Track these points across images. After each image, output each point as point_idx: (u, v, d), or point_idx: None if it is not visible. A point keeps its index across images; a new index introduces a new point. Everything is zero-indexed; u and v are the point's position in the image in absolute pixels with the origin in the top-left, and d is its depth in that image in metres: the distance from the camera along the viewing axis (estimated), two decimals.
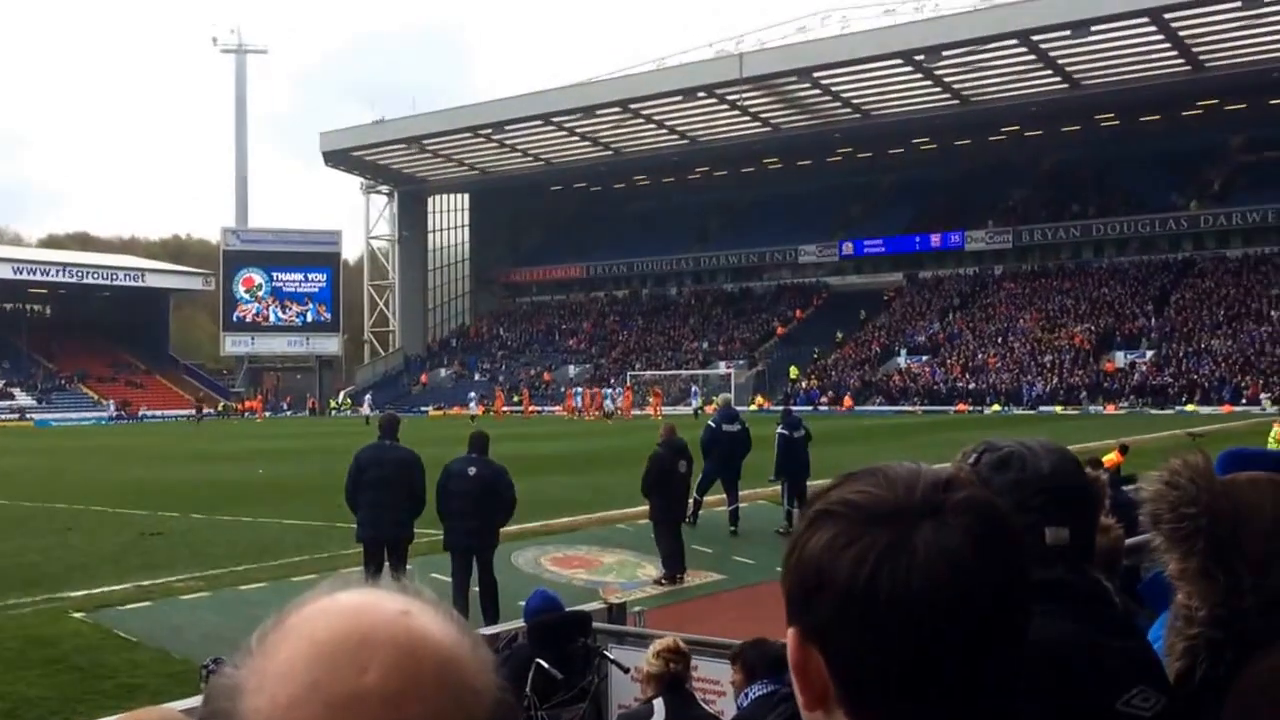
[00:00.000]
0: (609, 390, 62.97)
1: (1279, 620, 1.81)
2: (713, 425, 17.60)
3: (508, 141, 77.19)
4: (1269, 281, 59.21)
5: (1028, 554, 1.06)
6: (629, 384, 65.52)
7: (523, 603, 7.76)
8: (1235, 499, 1.90)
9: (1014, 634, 1.02)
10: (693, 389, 61.79)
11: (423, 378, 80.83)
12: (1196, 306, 59.65)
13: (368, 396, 68.75)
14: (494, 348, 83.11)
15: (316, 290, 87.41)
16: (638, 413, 59.78)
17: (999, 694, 1.00)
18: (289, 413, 77.53)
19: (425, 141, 77.61)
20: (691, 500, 16.39)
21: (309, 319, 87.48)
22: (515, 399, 67.77)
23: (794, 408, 43.05)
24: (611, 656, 7.19)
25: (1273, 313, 56.48)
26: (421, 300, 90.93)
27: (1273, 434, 27.24)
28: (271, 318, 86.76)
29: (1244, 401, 49.93)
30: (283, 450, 35.65)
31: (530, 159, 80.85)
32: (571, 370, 75.33)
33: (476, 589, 11.43)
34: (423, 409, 70.79)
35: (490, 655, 0.78)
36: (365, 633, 0.74)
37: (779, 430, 17.71)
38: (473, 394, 65.71)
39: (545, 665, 6.64)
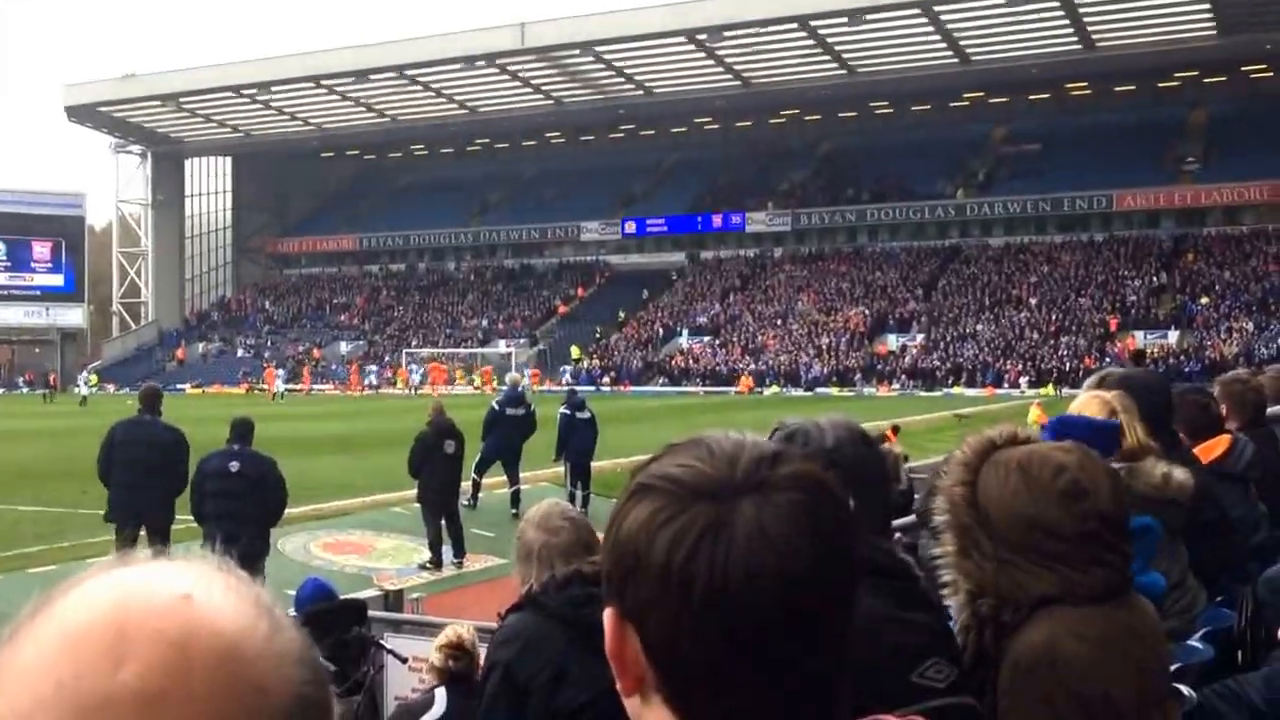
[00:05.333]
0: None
1: (1027, 600, 1.96)
2: (496, 407, 17.05)
3: (274, 103, 73.22)
4: (1027, 269, 62.35)
5: (857, 533, 1.03)
6: (438, 361, 63.81)
7: (292, 592, 7.27)
8: (982, 486, 2.03)
9: (841, 616, 0.99)
10: (563, 369, 60.36)
11: (179, 353, 76.00)
12: (962, 292, 62.27)
13: (83, 374, 62.49)
14: (259, 321, 79.12)
15: (57, 257, 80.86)
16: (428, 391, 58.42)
17: (825, 679, 0.99)
18: (25, 390, 71.42)
19: (183, 99, 72.75)
20: (471, 481, 16.18)
21: (49, 288, 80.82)
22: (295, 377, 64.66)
23: (578, 388, 42.55)
24: (388, 646, 7.08)
25: (1031, 299, 59.43)
26: (178, 270, 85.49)
27: (1031, 416, 28.46)
28: (5, 285, 79.71)
29: (1005, 384, 52.32)
30: (13, 431, 32.42)
31: (299, 123, 77.03)
32: (344, 347, 72.50)
33: None
34: (179, 387, 66.64)
35: (298, 643, 0.69)
36: (126, 621, 0.63)
37: (562, 410, 17.28)
38: (280, 369, 61.15)
39: None
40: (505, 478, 16.92)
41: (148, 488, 10.38)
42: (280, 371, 58.78)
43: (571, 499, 16.28)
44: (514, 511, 15.96)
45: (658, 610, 0.95)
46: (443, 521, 13.67)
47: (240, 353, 74.21)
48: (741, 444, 1.01)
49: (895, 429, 14.36)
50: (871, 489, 2.15)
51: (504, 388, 17.38)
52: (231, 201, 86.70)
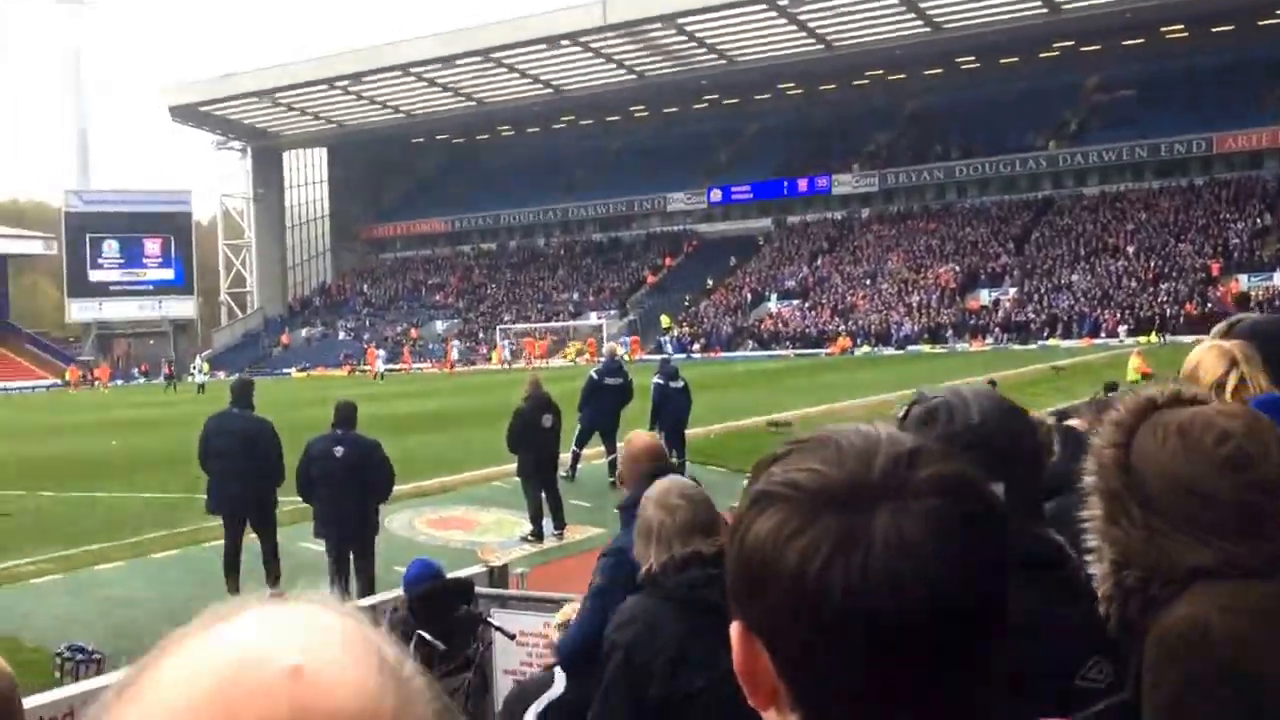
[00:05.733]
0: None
1: (1178, 573, 1.78)
2: (595, 376, 16.99)
3: (366, 94, 74.85)
4: (1124, 217, 60.81)
5: (1006, 536, 0.94)
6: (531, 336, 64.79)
7: (401, 569, 7.30)
8: (1137, 449, 1.85)
9: (990, 628, 0.90)
10: (661, 338, 61.00)
11: (284, 338, 78.27)
12: (1055, 243, 60.99)
13: (196, 362, 62.72)
14: (358, 305, 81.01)
15: (167, 252, 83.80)
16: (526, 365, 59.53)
17: (970, 693, 0.90)
18: (142, 380, 74.13)
19: (278, 95, 74.77)
20: (570, 454, 16.10)
21: (160, 282, 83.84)
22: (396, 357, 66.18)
23: (671, 356, 42.49)
24: (495, 623, 7.06)
25: (1128, 248, 58.02)
26: (280, 259, 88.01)
27: (1131, 364, 27.91)
28: (120, 282, 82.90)
29: (1103, 334, 51.26)
30: (136, 420, 33.78)
31: (390, 111, 78.60)
32: (439, 326, 73.88)
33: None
34: (285, 370, 68.65)
35: (431, 708, 0.60)
36: (230, 704, 0.56)
37: (655, 380, 17.20)
38: (381, 350, 62.24)
39: (427, 637, 6.42)
40: (603, 447, 16.87)
41: (243, 478, 10.66)
42: (380, 352, 60.10)
43: (682, 468, 16.83)
44: (611, 480, 15.84)
45: (789, 627, 0.88)
46: (542, 494, 13.71)
47: (341, 336, 76.03)
48: (875, 441, 0.92)
49: (992, 383, 14.28)
50: (1024, 468, 1.96)
51: (603, 358, 17.37)
52: (329, 191, 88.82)
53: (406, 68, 70.14)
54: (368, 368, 59.80)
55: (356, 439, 10.42)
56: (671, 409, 16.86)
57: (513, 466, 14.35)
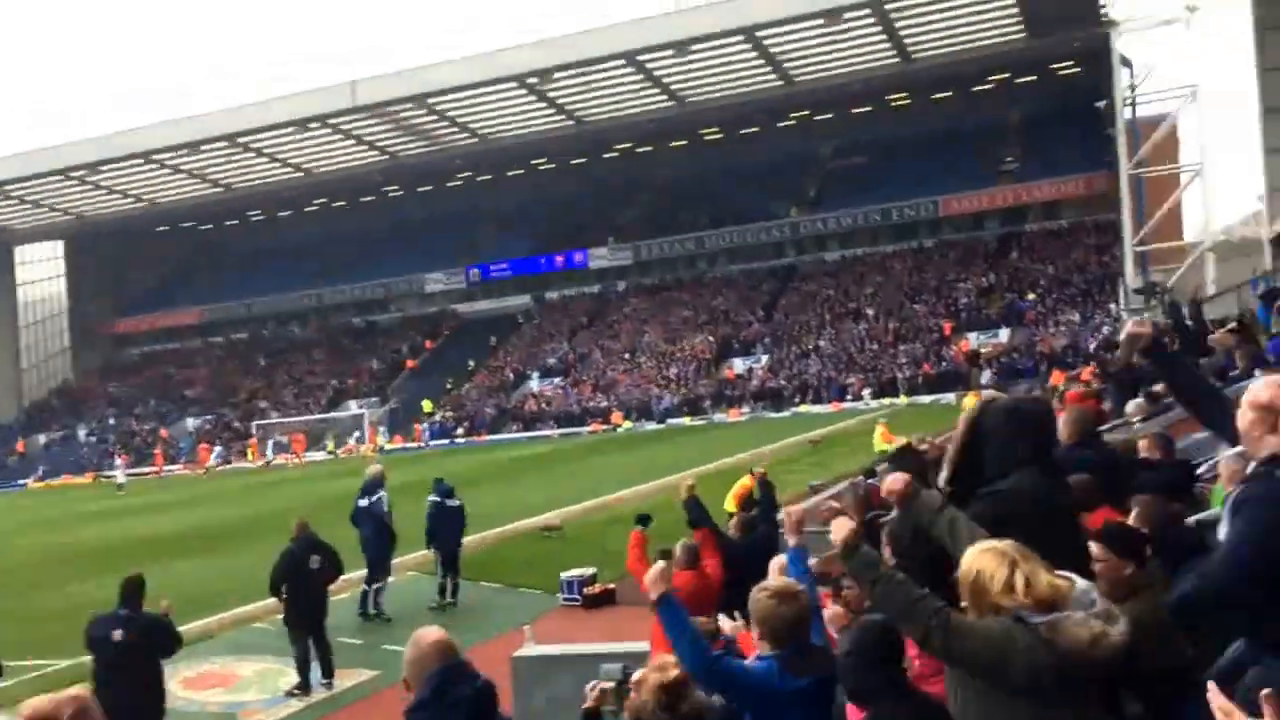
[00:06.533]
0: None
1: None
2: (438, 500, 16.61)
3: (105, 183, 71.62)
4: (863, 281, 63.69)
5: None
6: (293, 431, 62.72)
7: None
8: None
9: None
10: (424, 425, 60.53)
11: (19, 446, 73.24)
12: (802, 309, 63.29)
13: None
14: (103, 405, 76.85)
15: None
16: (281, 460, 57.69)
17: None
18: None
19: (8, 188, 70.62)
20: (374, 588, 15.82)
21: None
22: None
23: (432, 441, 41.51)
24: None
25: (868, 310, 60.74)
26: (13, 360, 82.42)
27: (877, 434, 28.67)
28: None
29: (849, 398, 53.33)
30: None
31: (132, 200, 75.42)
32: (190, 423, 70.84)
33: None
34: (21, 482, 64.56)
35: None
36: None
37: (431, 499, 16.78)
38: (125, 453, 59.12)
39: None
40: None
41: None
42: (119, 462, 57.16)
43: (442, 590, 16.33)
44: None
45: None
46: (310, 641, 12.89)
47: (84, 437, 71.98)
48: None
49: (753, 472, 14.56)
50: None
51: (370, 479, 16.58)
52: (67, 285, 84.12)
53: (149, 155, 67.51)
54: (113, 474, 56.71)
55: (138, 620, 9.61)
56: (450, 529, 16.51)
57: (274, 602, 13.60)
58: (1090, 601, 3.58)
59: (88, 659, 10.31)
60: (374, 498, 16.37)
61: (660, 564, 4.95)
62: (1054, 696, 3.54)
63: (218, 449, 62.53)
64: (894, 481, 4.51)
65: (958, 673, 3.76)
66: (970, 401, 7.68)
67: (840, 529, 4.14)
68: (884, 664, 4.34)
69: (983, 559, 3.64)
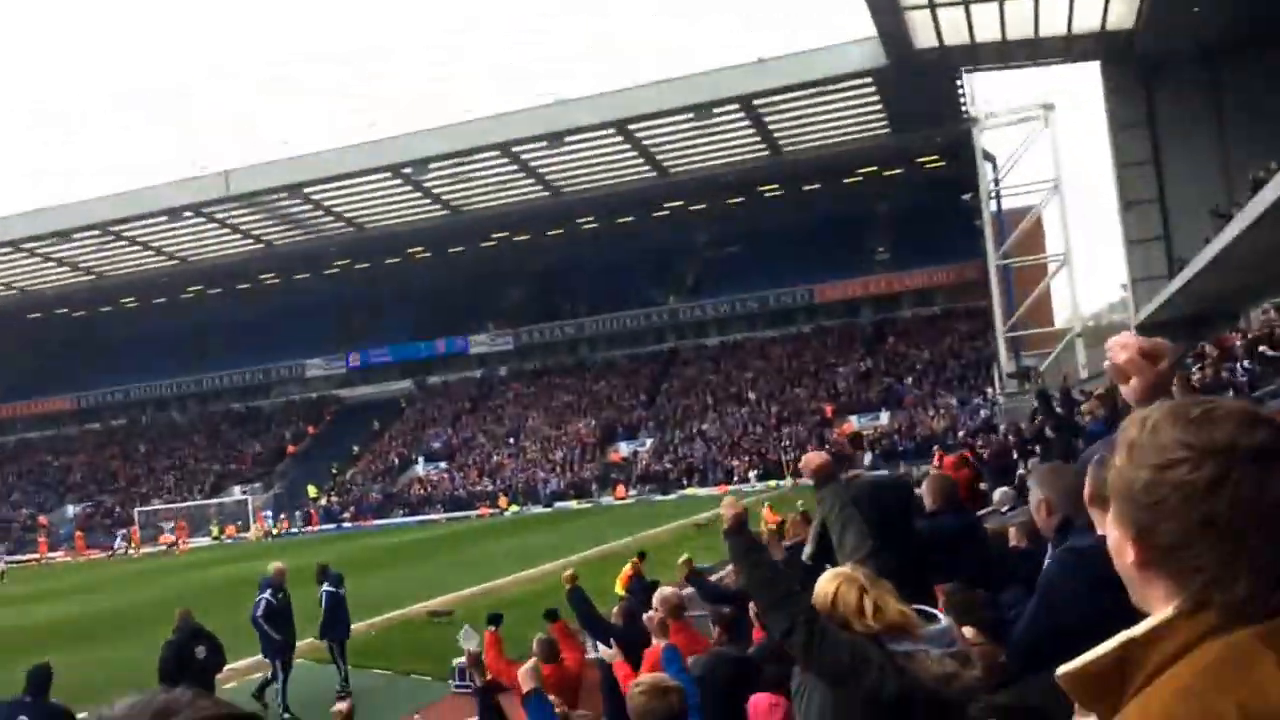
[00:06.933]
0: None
1: None
2: (334, 591, 16.45)
3: None
4: (744, 366, 64.87)
5: None
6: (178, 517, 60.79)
7: None
8: None
9: None
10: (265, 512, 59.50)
11: None
12: (685, 394, 64.12)
13: None
14: None
15: None
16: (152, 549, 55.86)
17: None
18: None
19: None
20: (277, 685, 15.31)
21: None
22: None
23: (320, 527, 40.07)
24: None
25: (750, 394, 61.78)
26: None
27: (763, 515, 29.10)
28: None
29: (735, 479, 53.91)
30: None
31: (2, 286, 73.41)
32: (70, 510, 68.54)
33: None
34: None
35: None
36: None
37: (326, 589, 16.57)
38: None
39: None
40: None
41: None
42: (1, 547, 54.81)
43: (347, 679, 16.10)
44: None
45: None
46: None
47: None
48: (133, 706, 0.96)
49: (642, 555, 14.66)
50: None
51: (266, 578, 16.12)
52: None
53: (17, 244, 66.02)
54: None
55: (43, 709, 9.42)
56: (343, 616, 16.40)
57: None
58: (950, 641, 3.80)
59: None
60: (278, 595, 16.02)
61: (531, 661, 5.25)
62: (895, 715, 3.75)
63: (123, 536, 60.29)
64: (814, 457, 4.89)
65: (809, 677, 3.97)
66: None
67: (729, 507, 4.51)
68: (730, 697, 4.79)
69: (834, 584, 3.89)
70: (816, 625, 3.81)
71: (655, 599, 6.51)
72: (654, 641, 6.54)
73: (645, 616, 6.11)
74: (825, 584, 3.89)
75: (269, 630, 15.49)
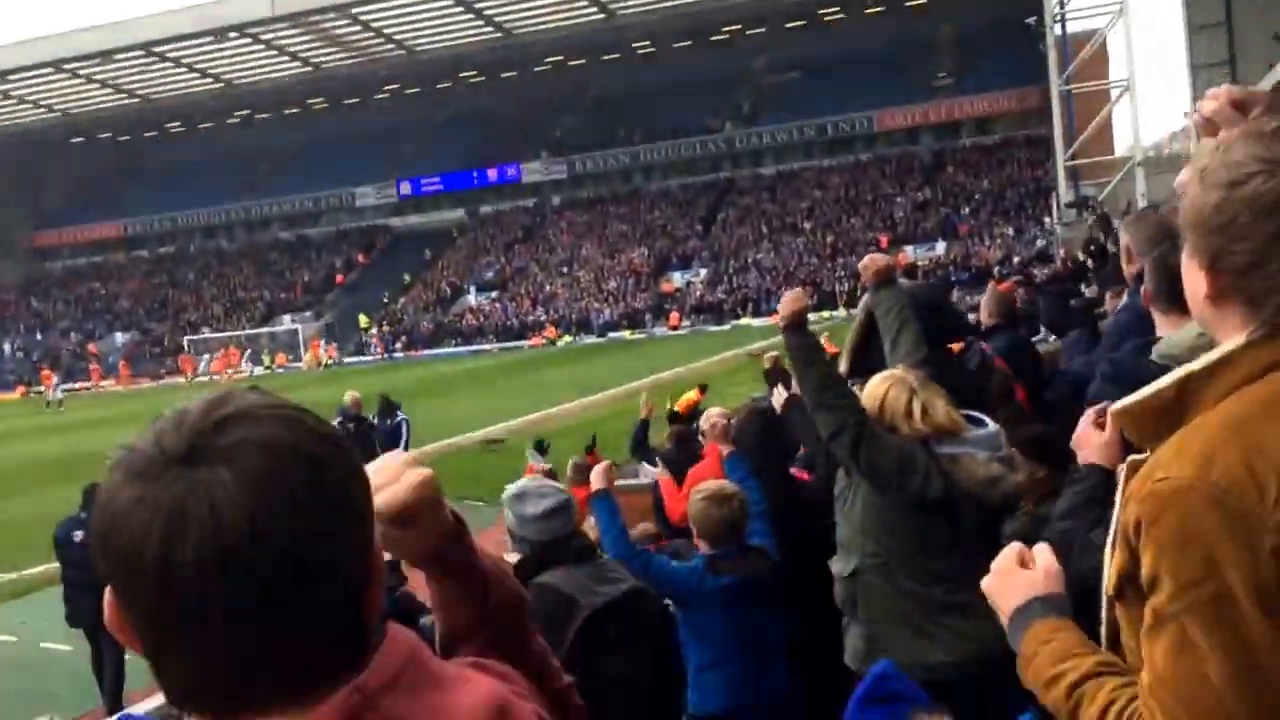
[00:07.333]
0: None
1: None
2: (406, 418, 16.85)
3: (14, 92, 69.02)
4: (800, 195, 63.90)
5: (325, 501, 1.01)
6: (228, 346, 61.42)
7: None
8: None
9: (307, 580, 0.99)
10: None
11: None
12: (740, 224, 63.42)
13: None
14: (27, 319, 74.98)
15: None
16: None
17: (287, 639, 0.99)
18: None
19: None
20: None
21: None
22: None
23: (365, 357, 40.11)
24: None
25: (806, 224, 61.01)
26: None
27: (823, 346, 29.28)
28: None
29: None
30: None
31: (44, 110, 72.91)
32: (119, 338, 69.47)
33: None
34: None
35: None
36: None
37: (402, 417, 16.87)
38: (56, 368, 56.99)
39: None
40: None
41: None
42: (56, 375, 55.58)
43: None
44: None
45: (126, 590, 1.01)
46: None
47: (8, 352, 70.31)
48: (184, 411, 1.01)
49: (703, 388, 14.60)
50: None
51: (343, 406, 15.99)
52: None
53: (60, 64, 65.18)
54: (42, 389, 55.23)
55: None
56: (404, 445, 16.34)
57: None
58: (997, 445, 3.81)
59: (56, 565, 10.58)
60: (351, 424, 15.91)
61: (605, 462, 5.20)
62: (939, 517, 3.83)
63: (205, 356, 60.89)
64: (878, 258, 4.84)
65: (854, 481, 4.03)
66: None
67: (791, 302, 4.42)
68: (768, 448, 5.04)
69: (885, 386, 3.90)
70: (865, 429, 3.83)
71: (712, 412, 6.38)
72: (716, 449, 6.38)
73: (707, 423, 6.00)
74: (875, 386, 3.91)
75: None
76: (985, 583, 1.86)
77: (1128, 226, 4.70)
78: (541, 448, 10.61)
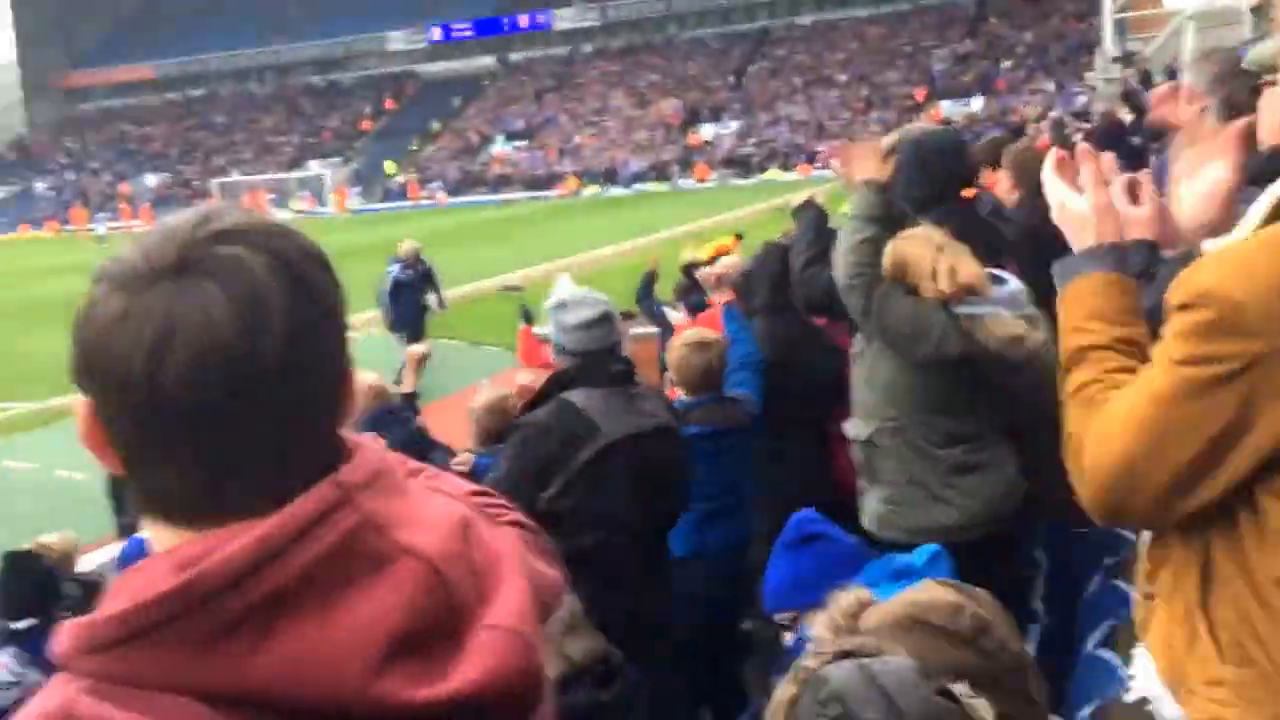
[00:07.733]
0: None
1: None
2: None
3: None
4: (836, 47, 62.23)
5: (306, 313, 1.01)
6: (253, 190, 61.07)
7: None
8: None
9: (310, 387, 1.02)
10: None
11: None
12: (774, 75, 62.01)
13: None
14: (61, 159, 75.24)
15: None
16: None
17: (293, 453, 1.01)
18: None
19: None
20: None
21: None
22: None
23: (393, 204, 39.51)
24: None
25: (840, 77, 59.59)
26: None
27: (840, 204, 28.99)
28: None
29: (818, 165, 52.76)
30: None
31: None
32: (151, 180, 69.61)
33: None
34: None
35: None
36: None
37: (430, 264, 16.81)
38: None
39: None
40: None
41: None
42: (101, 215, 55.13)
43: None
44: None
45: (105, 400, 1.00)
46: None
47: (40, 191, 70.71)
48: (177, 223, 1.01)
49: (739, 236, 14.33)
50: None
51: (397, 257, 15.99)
52: (16, 36, 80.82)
53: None
54: (74, 227, 55.29)
55: None
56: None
57: None
58: (1020, 303, 3.70)
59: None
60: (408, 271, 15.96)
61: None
62: (957, 378, 3.75)
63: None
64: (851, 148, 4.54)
65: (872, 338, 3.93)
66: None
67: (870, 152, 4.21)
68: (776, 279, 4.94)
69: (909, 245, 3.73)
70: (883, 287, 3.78)
71: (723, 263, 6.15)
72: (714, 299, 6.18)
73: (703, 274, 5.80)
74: (899, 243, 3.77)
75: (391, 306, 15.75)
76: (1075, 203, 1.89)
77: (1191, 67, 4.53)
78: (529, 317, 10.56)
